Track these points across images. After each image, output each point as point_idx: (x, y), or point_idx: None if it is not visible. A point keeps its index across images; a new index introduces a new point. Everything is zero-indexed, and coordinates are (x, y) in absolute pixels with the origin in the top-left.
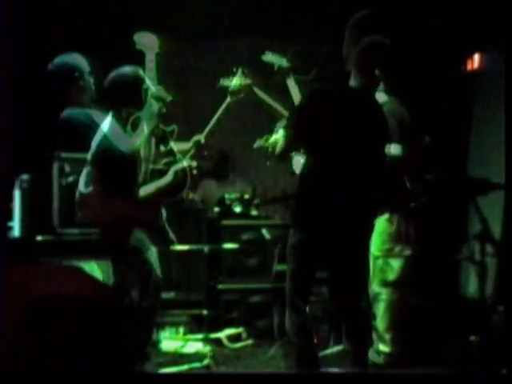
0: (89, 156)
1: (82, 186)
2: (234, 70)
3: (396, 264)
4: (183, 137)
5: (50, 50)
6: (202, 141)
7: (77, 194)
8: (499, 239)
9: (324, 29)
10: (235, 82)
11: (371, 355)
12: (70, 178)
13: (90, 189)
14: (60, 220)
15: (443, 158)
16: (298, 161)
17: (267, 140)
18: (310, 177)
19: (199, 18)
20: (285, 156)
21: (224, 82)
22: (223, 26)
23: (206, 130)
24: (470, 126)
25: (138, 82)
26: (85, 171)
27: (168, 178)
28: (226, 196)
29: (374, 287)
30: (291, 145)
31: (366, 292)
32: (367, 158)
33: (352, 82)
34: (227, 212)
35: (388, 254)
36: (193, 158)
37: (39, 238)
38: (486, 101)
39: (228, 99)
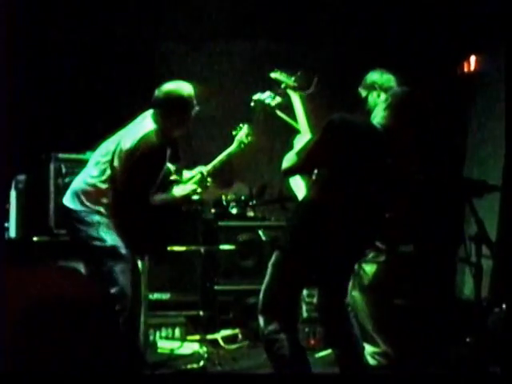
0: (125, 147)
1: (88, 177)
2: (241, 125)
3: (370, 269)
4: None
5: (49, 51)
6: (205, 174)
7: (82, 184)
8: (495, 241)
9: (326, 31)
10: (241, 136)
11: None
12: (67, 179)
13: (104, 177)
14: (56, 221)
15: (440, 159)
16: (299, 182)
17: (274, 98)
18: (322, 202)
19: (203, 20)
20: (294, 174)
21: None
22: (227, 28)
23: (210, 166)
24: (467, 127)
25: (190, 98)
26: (102, 159)
27: (176, 193)
28: (223, 197)
29: (352, 292)
30: (308, 166)
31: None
32: (380, 198)
33: (380, 120)
34: (224, 213)
35: (362, 259)
36: (196, 183)
37: (35, 238)
38: (483, 102)
39: (233, 146)
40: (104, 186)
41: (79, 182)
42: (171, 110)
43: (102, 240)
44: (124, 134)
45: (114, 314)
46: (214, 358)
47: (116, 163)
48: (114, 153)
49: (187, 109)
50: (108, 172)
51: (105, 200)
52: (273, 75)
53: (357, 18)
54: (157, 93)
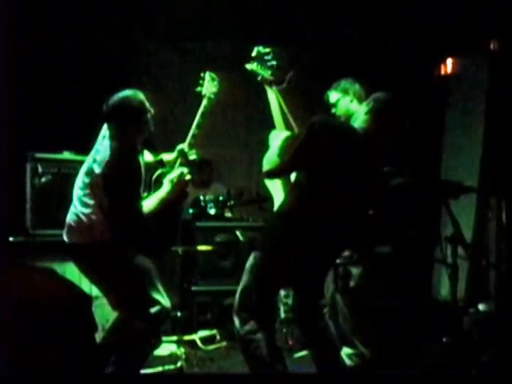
0: (97, 174)
1: (76, 210)
2: (202, 74)
3: (356, 271)
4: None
5: (25, 50)
6: (186, 149)
7: (74, 217)
8: (471, 242)
9: (309, 32)
10: (206, 86)
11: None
12: (43, 179)
13: (91, 208)
14: (33, 221)
15: (417, 160)
16: (276, 182)
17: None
18: (302, 205)
19: (181, 19)
20: (276, 177)
21: (197, 87)
22: (204, 28)
23: (188, 137)
24: (443, 130)
25: (142, 106)
26: (82, 192)
27: (166, 188)
28: (201, 198)
29: (335, 294)
30: (291, 168)
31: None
32: (359, 202)
33: (361, 124)
34: (201, 213)
35: (348, 261)
36: (180, 165)
37: (11, 239)
38: (458, 105)
39: (203, 103)
40: (94, 217)
41: (71, 216)
42: (124, 122)
43: (121, 261)
44: (92, 161)
45: (90, 314)
46: (191, 358)
47: (96, 191)
48: (91, 184)
49: (140, 116)
50: (92, 202)
51: (101, 225)
52: (248, 67)
53: (334, 19)
54: (105, 108)
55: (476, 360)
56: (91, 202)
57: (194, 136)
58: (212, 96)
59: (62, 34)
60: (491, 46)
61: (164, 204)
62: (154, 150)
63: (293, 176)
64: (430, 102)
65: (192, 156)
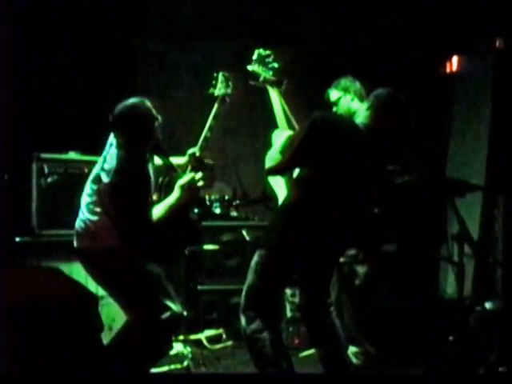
0: (105, 183)
1: (84, 217)
2: (215, 75)
3: (361, 270)
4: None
5: (30, 50)
6: (198, 153)
7: (82, 224)
8: (477, 240)
9: (310, 33)
10: (219, 87)
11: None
12: (49, 179)
13: (98, 216)
14: (39, 221)
15: (422, 159)
16: (279, 180)
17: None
18: (304, 202)
19: (187, 19)
20: (278, 173)
21: (209, 89)
22: (211, 28)
23: (200, 141)
24: (449, 127)
25: (149, 113)
26: (89, 199)
27: (176, 194)
28: (206, 197)
29: (341, 293)
30: (293, 164)
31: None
32: (362, 198)
33: (362, 120)
34: (207, 213)
35: (353, 260)
36: (192, 170)
37: (18, 239)
38: (464, 103)
39: (216, 105)
40: (101, 224)
41: (79, 223)
42: (131, 130)
43: (130, 267)
44: (100, 169)
45: (96, 314)
46: (197, 358)
47: (104, 199)
48: (98, 191)
49: (147, 125)
50: (99, 209)
51: (107, 232)
52: (250, 68)
53: (337, 18)
54: (112, 117)
55: (482, 359)
56: (98, 209)
57: (206, 139)
58: (226, 98)
59: (67, 33)
60: (496, 44)
61: (174, 210)
62: (164, 155)
63: (295, 173)
64: (436, 101)
65: (206, 160)
